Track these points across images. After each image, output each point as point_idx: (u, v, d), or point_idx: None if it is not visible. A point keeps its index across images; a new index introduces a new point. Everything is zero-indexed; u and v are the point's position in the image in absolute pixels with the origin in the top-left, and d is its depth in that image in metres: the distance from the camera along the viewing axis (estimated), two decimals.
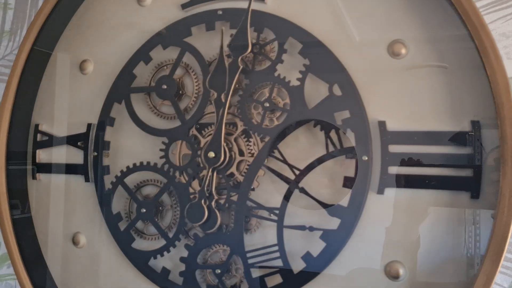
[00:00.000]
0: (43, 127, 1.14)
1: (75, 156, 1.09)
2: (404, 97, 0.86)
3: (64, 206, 1.11)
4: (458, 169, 0.82)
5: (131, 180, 1.03)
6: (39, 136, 1.13)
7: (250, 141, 0.94)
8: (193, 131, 0.98)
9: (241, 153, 0.95)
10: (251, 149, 0.94)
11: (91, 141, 1.07)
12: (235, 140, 0.95)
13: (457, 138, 0.82)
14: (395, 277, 0.84)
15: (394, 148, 0.85)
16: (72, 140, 1.10)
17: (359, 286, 0.87)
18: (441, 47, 0.84)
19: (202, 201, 0.93)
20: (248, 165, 0.94)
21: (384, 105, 0.87)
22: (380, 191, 0.86)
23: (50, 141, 1.12)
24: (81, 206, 1.09)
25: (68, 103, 1.12)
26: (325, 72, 0.90)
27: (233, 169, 0.94)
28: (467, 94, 0.82)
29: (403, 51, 0.86)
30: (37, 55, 1.11)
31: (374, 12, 0.89)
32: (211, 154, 0.93)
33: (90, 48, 1.11)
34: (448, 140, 0.82)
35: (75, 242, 1.09)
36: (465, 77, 0.82)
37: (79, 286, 1.08)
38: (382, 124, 0.86)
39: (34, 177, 1.13)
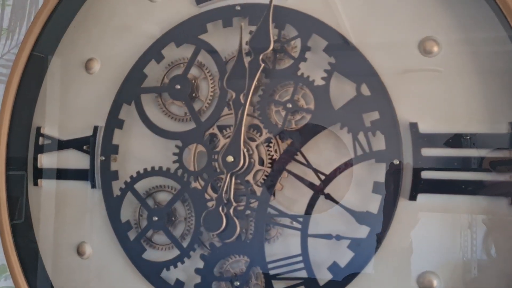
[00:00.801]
0: (46, 130, 1.07)
1: (80, 160, 1.02)
2: (437, 97, 0.81)
3: (68, 214, 1.04)
4: (497, 173, 0.77)
5: (142, 186, 0.97)
6: (41, 140, 1.06)
7: (270, 146, 0.89)
8: (211, 132, 0.92)
9: (261, 162, 0.89)
10: (272, 155, 0.88)
11: (98, 145, 1.01)
12: (257, 147, 0.89)
13: (495, 141, 0.78)
14: None
15: (427, 152, 0.80)
16: (77, 144, 1.03)
17: None
18: (476, 46, 0.80)
19: (220, 208, 0.87)
20: (266, 174, 0.88)
21: (416, 105, 0.82)
22: (413, 197, 0.80)
23: (53, 145, 1.05)
24: (87, 214, 1.02)
25: (73, 104, 1.05)
26: (352, 71, 0.85)
27: (249, 177, 0.89)
28: (505, 94, 0.77)
29: (435, 48, 0.82)
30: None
31: (404, 7, 0.84)
32: (230, 158, 0.87)
33: (97, 46, 1.05)
34: (485, 143, 0.78)
35: (80, 252, 1.02)
36: (503, 77, 0.78)
37: None
38: (413, 126, 0.81)
39: (35, 183, 1.06)
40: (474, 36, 0.80)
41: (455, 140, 0.79)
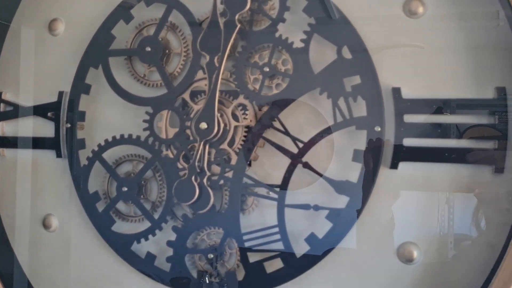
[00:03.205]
0: (7, 96, 1.00)
1: (45, 128, 0.96)
2: (421, 61, 0.77)
3: (33, 185, 0.98)
4: (481, 140, 0.74)
5: (110, 155, 0.91)
6: (2, 106, 1.00)
7: (246, 112, 0.84)
8: (184, 98, 0.86)
9: (236, 118, 0.85)
10: (248, 118, 0.84)
11: (64, 111, 0.95)
12: (232, 113, 0.85)
13: (480, 106, 0.74)
14: (409, 260, 0.77)
15: (410, 118, 0.77)
16: (41, 110, 0.97)
17: (369, 271, 0.79)
18: (462, 6, 0.76)
19: (193, 178, 0.83)
20: (244, 135, 0.84)
21: (399, 70, 0.78)
22: (394, 166, 0.77)
23: (15, 112, 0.99)
24: (53, 185, 0.97)
25: (36, 68, 0.99)
26: (333, 32, 0.80)
27: (224, 145, 0.84)
28: (492, 57, 0.74)
29: (421, 9, 0.77)
30: None
31: None
32: (203, 125, 0.82)
33: (61, 5, 0.98)
34: (470, 109, 0.75)
35: (46, 225, 0.97)
36: (490, 37, 0.74)
37: (51, 273, 0.97)
38: (396, 91, 0.77)
39: None
40: None
41: (439, 106, 0.76)
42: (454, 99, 0.75)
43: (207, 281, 0.84)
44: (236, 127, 0.85)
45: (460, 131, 0.75)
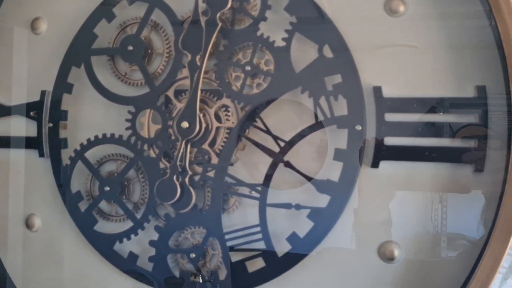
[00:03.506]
0: None
1: (27, 128, 0.96)
2: (402, 60, 0.77)
3: (15, 185, 0.97)
4: (461, 139, 0.74)
5: (93, 154, 0.91)
6: None
7: (228, 111, 0.84)
8: (166, 97, 0.86)
9: (218, 119, 0.84)
10: (230, 120, 0.84)
11: (46, 111, 0.94)
12: (214, 112, 0.84)
13: (461, 105, 0.74)
14: (390, 258, 0.77)
15: (390, 117, 0.77)
16: (23, 110, 0.96)
17: (350, 269, 0.79)
18: (443, 6, 0.76)
19: (174, 177, 0.82)
20: (226, 137, 0.83)
21: (380, 69, 0.78)
22: (375, 165, 0.77)
23: None
24: (35, 184, 0.96)
25: (18, 67, 0.97)
26: (314, 31, 0.80)
27: (206, 144, 0.84)
28: (473, 56, 0.74)
29: (402, 8, 0.77)
30: None
31: None
32: (185, 124, 0.82)
33: (44, 4, 0.97)
34: (450, 107, 0.74)
35: (28, 225, 0.96)
36: (470, 36, 0.74)
37: (34, 274, 0.96)
38: (377, 90, 0.77)
39: None
40: None
41: (420, 105, 0.76)
42: (434, 98, 0.75)
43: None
44: (218, 128, 0.84)
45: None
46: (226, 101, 0.84)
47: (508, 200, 0.66)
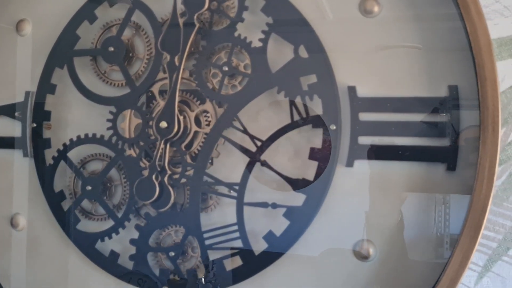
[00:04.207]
0: None
1: (11, 128, 0.97)
2: (376, 60, 0.78)
3: (1, 185, 0.98)
4: (434, 138, 0.75)
5: (75, 154, 0.92)
6: None
7: (209, 120, 0.85)
8: (147, 97, 0.87)
9: (198, 123, 0.85)
10: (209, 120, 0.85)
11: (30, 111, 0.95)
12: (196, 117, 0.85)
13: (433, 105, 0.75)
14: (364, 257, 0.77)
15: (365, 116, 0.77)
16: (7, 110, 0.97)
17: (325, 267, 0.79)
18: (417, 3, 0.76)
19: (153, 176, 0.83)
20: (204, 137, 0.84)
21: (355, 69, 0.79)
22: (349, 164, 0.78)
23: None
24: (19, 184, 0.97)
25: (3, 68, 0.99)
26: (290, 32, 0.81)
27: (185, 144, 0.85)
28: (445, 56, 0.74)
29: (376, 8, 0.78)
30: None
31: None
32: (163, 124, 0.83)
33: (28, 6, 0.98)
34: (423, 107, 0.75)
35: (13, 224, 0.97)
36: (443, 36, 0.75)
37: (19, 272, 0.97)
38: (352, 90, 0.78)
39: None
40: None
41: (394, 104, 0.76)
42: (408, 98, 0.76)
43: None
44: (196, 132, 0.85)
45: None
46: (208, 107, 0.85)
47: (476, 198, 0.67)
